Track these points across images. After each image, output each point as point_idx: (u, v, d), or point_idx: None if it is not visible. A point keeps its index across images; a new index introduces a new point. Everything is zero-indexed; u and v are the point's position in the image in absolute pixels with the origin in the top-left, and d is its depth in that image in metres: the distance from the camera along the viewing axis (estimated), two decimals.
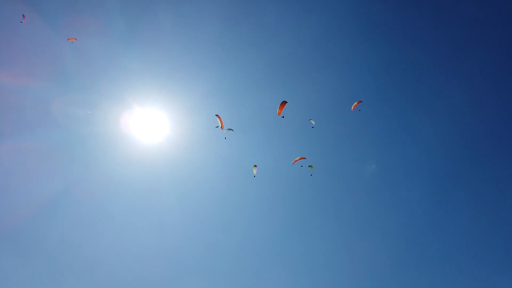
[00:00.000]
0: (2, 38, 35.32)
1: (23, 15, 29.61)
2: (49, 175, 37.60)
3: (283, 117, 23.60)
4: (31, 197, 36.18)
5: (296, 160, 26.35)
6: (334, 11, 43.31)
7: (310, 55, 44.86)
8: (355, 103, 27.88)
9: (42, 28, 35.95)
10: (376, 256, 40.18)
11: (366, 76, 45.50)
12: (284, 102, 23.07)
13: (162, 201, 41.01)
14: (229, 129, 25.51)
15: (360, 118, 43.13)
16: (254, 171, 26.55)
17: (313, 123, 27.28)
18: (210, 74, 43.67)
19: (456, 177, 44.22)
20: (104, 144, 40.20)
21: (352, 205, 42.98)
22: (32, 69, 36.64)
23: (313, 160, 43.72)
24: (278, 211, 42.99)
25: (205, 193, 42.42)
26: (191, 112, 41.61)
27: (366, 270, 39.62)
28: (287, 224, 43.02)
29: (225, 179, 42.78)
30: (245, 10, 42.65)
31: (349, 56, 45.00)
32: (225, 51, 43.84)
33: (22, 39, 36.00)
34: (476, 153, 44.42)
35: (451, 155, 44.50)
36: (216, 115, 24.95)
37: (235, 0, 41.94)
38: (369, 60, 45.15)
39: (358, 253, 40.43)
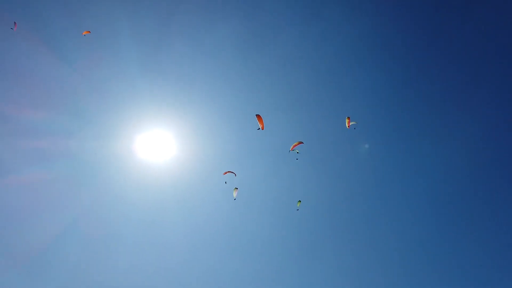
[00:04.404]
0: (18, 74, 38.23)
1: (15, 23, 30.45)
2: (60, 205, 39.38)
3: (258, 129, 24.01)
4: (45, 228, 37.75)
5: (295, 146, 26.10)
6: (347, 40, 44.41)
7: (323, 82, 45.57)
8: (347, 121, 28.19)
9: (55, 62, 38.77)
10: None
11: (378, 105, 45.89)
12: (258, 115, 23.62)
13: (170, 222, 41.89)
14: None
15: (370, 148, 43.10)
16: (234, 194, 26.55)
17: (355, 123, 27.58)
18: (222, 99, 45.21)
19: (463, 211, 42.87)
20: (114, 169, 42.02)
21: (351, 241, 42.22)
22: (43, 100, 39.26)
23: (318, 190, 44.10)
24: (285, 238, 42.62)
25: (211, 215, 42.70)
26: (198, 133, 43.04)
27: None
28: (295, 250, 42.51)
29: (231, 202, 43.02)
30: (260, 38, 44.23)
31: (362, 85, 45.47)
32: (238, 78, 45.32)
33: (36, 73, 38.81)
34: (486, 186, 43.08)
35: (459, 189, 43.46)
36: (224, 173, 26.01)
37: (251, 28, 43.91)
38: (381, 90, 45.69)
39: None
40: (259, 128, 23.94)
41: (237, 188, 26.22)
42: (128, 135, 41.92)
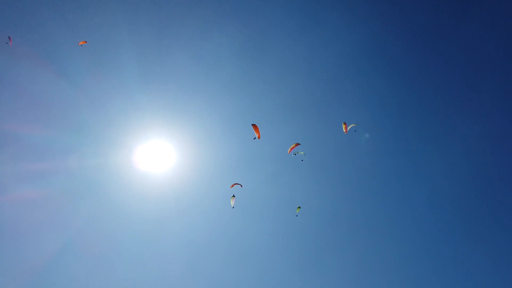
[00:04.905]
0: (15, 89, 38.57)
1: (9, 37, 30.48)
2: (61, 220, 39.38)
3: (254, 138, 24.10)
4: (47, 244, 37.78)
5: (292, 148, 26.05)
6: (346, 45, 44.75)
7: (322, 88, 45.80)
8: (344, 127, 28.16)
9: (53, 77, 38.97)
10: None
11: (378, 109, 45.95)
12: (254, 125, 23.68)
13: (172, 232, 41.70)
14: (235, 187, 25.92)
15: (370, 153, 43.01)
16: (232, 202, 26.26)
17: (354, 125, 27.53)
18: (221, 108, 45.45)
19: (464, 213, 42.57)
20: (114, 181, 42.23)
21: (353, 245, 41.85)
22: (42, 116, 39.58)
23: (319, 195, 43.82)
24: (287, 244, 42.33)
25: (213, 224, 42.64)
26: (198, 142, 43.16)
27: None
28: (297, 255, 42.27)
29: (232, 209, 42.85)
30: (258, 46, 44.65)
31: (362, 92, 45.72)
32: (238, 87, 45.78)
33: (34, 88, 39.17)
34: (487, 187, 42.78)
35: (460, 191, 43.22)
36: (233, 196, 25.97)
37: (249, 36, 44.28)
38: (381, 96, 45.77)
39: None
40: (255, 138, 23.97)
41: (234, 196, 25.90)
42: (127, 146, 42.21)
